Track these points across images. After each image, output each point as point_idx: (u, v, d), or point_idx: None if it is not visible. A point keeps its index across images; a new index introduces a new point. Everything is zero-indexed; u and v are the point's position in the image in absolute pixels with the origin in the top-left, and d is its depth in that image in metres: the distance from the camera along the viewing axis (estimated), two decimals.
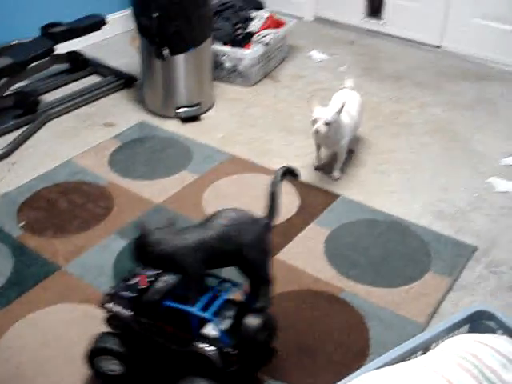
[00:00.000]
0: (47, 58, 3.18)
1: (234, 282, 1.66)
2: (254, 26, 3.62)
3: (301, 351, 1.84)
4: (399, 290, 2.06)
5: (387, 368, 1.33)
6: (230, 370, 1.52)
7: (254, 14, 3.71)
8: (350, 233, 2.33)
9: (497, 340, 1.39)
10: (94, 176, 2.65)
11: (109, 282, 2.09)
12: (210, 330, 1.53)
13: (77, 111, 3.21)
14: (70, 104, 3.21)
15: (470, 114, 3.19)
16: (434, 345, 1.48)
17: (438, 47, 3.90)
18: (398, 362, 1.38)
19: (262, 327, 1.58)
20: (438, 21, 3.85)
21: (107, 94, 3.36)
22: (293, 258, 2.19)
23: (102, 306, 1.65)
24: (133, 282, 1.65)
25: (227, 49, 3.41)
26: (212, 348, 1.51)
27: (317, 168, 2.71)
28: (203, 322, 1.55)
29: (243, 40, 3.53)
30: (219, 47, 3.41)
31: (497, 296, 2.05)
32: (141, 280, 1.63)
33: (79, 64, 3.56)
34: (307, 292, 2.05)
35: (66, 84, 3.46)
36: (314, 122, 2.43)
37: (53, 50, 3.15)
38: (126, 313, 1.60)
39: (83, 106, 3.25)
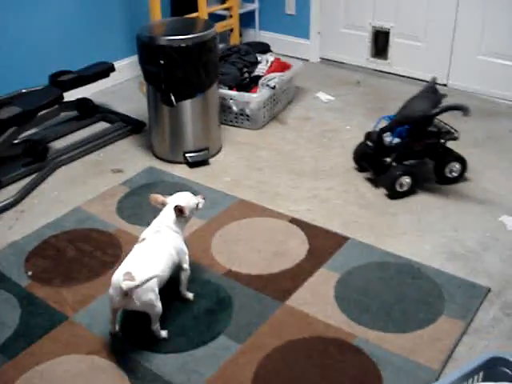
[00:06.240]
0: (56, 106, 3.20)
1: None
2: (260, 70, 3.64)
3: None
4: (412, 335, 2.02)
5: None
6: None
7: (259, 57, 3.74)
8: (360, 276, 2.29)
9: None
10: (103, 223, 2.65)
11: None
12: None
13: (85, 158, 3.23)
14: (78, 151, 3.24)
15: (478, 151, 3.17)
16: None
17: (445, 85, 3.91)
18: None
19: None
20: (443, 59, 3.88)
21: (115, 141, 3.38)
22: (302, 304, 2.15)
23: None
24: None
25: (234, 93, 3.44)
26: None
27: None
28: None
29: (250, 84, 3.56)
30: (226, 91, 3.43)
31: None
32: None
33: (88, 111, 3.60)
34: (318, 339, 2.01)
35: (74, 131, 3.49)
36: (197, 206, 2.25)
37: (62, 98, 3.19)
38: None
39: (92, 152, 3.27)
